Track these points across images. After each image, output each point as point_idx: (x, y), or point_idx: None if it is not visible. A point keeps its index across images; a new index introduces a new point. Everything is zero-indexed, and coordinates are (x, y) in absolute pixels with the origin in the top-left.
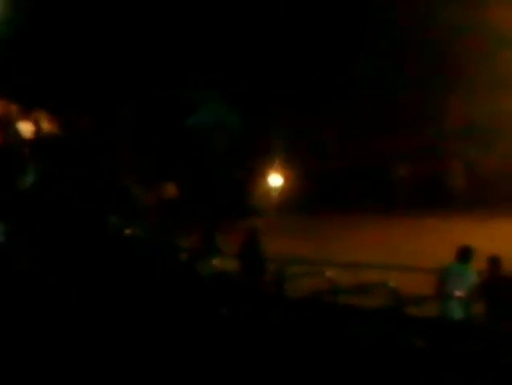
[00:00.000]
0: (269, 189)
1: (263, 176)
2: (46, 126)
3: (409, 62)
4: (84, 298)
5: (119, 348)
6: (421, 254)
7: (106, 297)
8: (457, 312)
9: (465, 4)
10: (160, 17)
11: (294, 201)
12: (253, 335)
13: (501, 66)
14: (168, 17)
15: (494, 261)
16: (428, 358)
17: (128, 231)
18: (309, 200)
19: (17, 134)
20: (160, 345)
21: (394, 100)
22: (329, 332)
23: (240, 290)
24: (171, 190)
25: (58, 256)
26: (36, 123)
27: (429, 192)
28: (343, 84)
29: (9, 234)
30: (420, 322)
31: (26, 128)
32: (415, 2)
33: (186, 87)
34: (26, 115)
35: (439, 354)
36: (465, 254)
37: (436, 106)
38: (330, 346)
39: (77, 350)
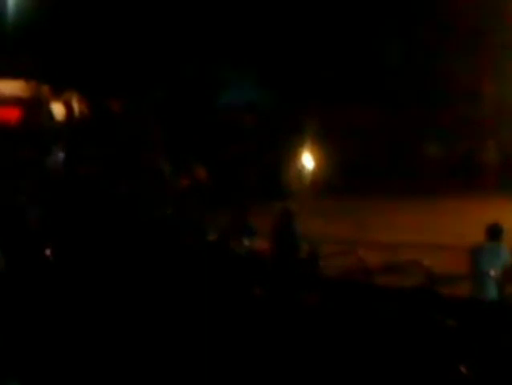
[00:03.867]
0: (301, 170)
1: (295, 157)
2: (78, 107)
3: (444, 44)
4: (118, 278)
5: (157, 327)
6: (454, 233)
7: (139, 278)
8: (492, 291)
9: None
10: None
11: (326, 182)
12: (286, 316)
13: None
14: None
15: None
16: (460, 338)
17: (160, 212)
18: (341, 181)
19: (48, 115)
20: (193, 326)
21: (427, 79)
22: (363, 312)
23: (273, 270)
24: (202, 172)
25: (91, 239)
26: (67, 105)
27: (462, 171)
28: (375, 64)
29: (41, 219)
30: (454, 302)
31: (57, 109)
32: None
33: (217, 66)
34: (57, 96)
35: (471, 333)
36: (495, 232)
37: (469, 86)
38: (364, 326)
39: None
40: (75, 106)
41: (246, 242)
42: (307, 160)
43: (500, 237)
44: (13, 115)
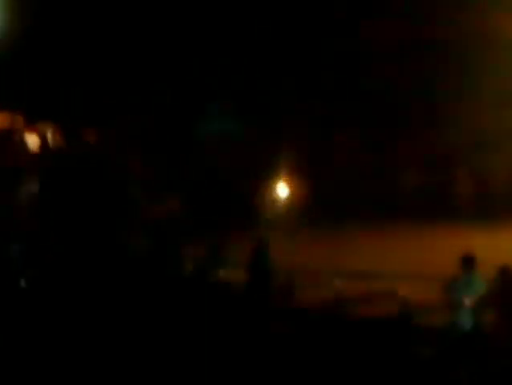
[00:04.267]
0: (276, 200)
1: (270, 186)
2: (52, 138)
3: (418, 71)
4: (93, 309)
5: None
6: (429, 263)
7: (116, 308)
8: (467, 321)
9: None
10: (169, 27)
11: (301, 211)
12: (259, 348)
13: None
14: (177, 28)
15: (505, 271)
16: (437, 368)
17: (135, 242)
18: (316, 210)
19: (22, 145)
20: (165, 359)
21: (403, 109)
22: (338, 343)
23: (247, 301)
24: (177, 202)
25: (67, 268)
26: (42, 135)
27: (438, 200)
28: (353, 94)
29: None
30: (430, 332)
31: (31, 140)
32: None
33: (195, 97)
34: (31, 126)
35: (448, 363)
36: (468, 262)
37: (445, 115)
38: (339, 357)
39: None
40: (50, 137)
41: (222, 273)
42: (282, 190)
43: (473, 266)
44: None
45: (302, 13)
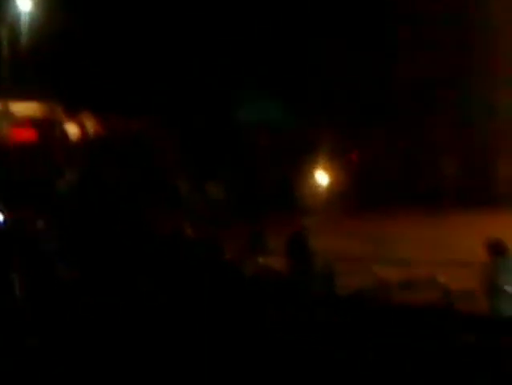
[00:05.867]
0: (316, 187)
1: (311, 174)
2: (92, 128)
3: (460, 63)
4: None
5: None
6: (469, 249)
7: (153, 298)
8: (508, 307)
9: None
10: (213, 16)
11: (341, 199)
12: (299, 335)
13: None
14: (221, 16)
15: None
16: (478, 355)
17: (176, 229)
18: (356, 198)
19: (63, 135)
20: (202, 347)
21: (442, 96)
22: (379, 330)
23: (287, 289)
24: (217, 189)
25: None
26: (82, 125)
27: (477, 187)
28: (391, 83)
29: (56, 240)
30: (471, 319)
31: (71, 130)
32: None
33: (234, 84)
34: (71, 116)
35: (489, 350)
36: (496, 248)
37: (485, 104)
38: (379, 344)
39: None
40: (90, 126)
41: (261, 260)
42: (322, 177)
43: (502, 251)
44: (27, 136)
45: (342, 9)
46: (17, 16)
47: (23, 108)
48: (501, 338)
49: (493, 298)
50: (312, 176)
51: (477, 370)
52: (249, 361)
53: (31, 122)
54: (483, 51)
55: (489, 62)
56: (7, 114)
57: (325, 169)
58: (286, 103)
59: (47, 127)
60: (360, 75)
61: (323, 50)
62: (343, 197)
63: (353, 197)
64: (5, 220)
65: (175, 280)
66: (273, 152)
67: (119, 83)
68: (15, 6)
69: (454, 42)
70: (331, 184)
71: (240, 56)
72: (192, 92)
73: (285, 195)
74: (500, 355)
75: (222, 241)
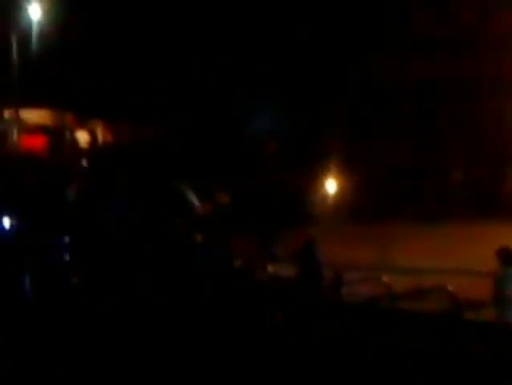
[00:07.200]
0: (324, 196)
1: (319, 182)
2: (102, 135)
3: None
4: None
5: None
6: (478, 259)
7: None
8: None
9: None
10: (227, 26)
11: (349, 207)
12: (309, 342)
13: None
14: (235, 25)
15: None
16: (487, 364)
17: (185, 237)
18: (365, 207)
19: (73, 142)
20: (214, 352)
21: (455, 107)
22: (387, 339)
23: (296, 297)
24: (225, 198)
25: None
26: (92, 133)
27: (488, 197)
28: (404, 93)
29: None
30: (481, 328)
31: (82, 137)
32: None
33: (244, 95)
34: (81, 124)
35: (498, 360)
36: (506, 257)
37: (494, 114)
38: (387, 352)
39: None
40: (100, 134)
41: (271, 268)
42: (331, 186)
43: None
44: (38, 143)
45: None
46: (27, 24)
47: (34, 116)
48: (510, 347)
49: (502, 307)
50: (321, 184)
51: (486, 378)
52: (252, 364)
53: (42, 129)
54: (492, 59)
55: (498, 70)
56: (18, 121)
57: (334, 178)
58: (294, 113)
59: (58, 135)
60: (370, 85)
61: (332, 61)
62: (352, 206)
63: (362, 206)
64: (13, 226)
65: (189, 285)
66: (281, 161)
67: (130, 90)
68: (26, 15)
69: (464, 50)
70: (340, 193)
71: (250, 66)
72: (202, 102)
73: (294, 204)
74: (509, 364)
75: (232, 248)
